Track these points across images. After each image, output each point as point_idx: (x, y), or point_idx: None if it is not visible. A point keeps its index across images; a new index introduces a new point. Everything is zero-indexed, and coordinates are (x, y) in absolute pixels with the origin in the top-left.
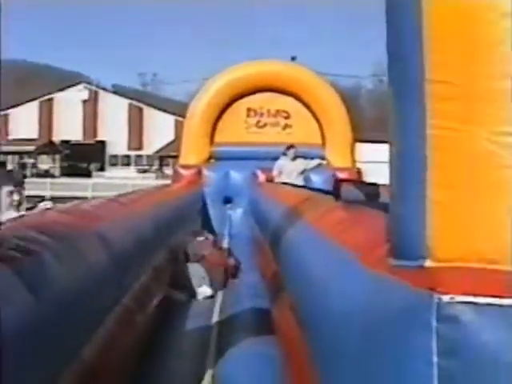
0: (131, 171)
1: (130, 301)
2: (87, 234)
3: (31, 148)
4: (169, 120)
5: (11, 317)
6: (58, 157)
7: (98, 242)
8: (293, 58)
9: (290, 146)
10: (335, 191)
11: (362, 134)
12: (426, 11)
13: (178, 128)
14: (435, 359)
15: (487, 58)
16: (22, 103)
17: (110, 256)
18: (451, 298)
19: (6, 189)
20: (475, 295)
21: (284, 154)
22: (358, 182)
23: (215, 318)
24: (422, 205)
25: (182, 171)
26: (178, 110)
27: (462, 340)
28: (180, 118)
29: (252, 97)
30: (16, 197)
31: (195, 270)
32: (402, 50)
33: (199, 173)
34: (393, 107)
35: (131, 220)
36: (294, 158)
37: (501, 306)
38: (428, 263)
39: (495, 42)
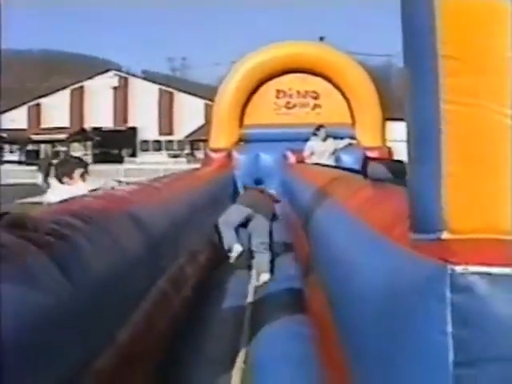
0: (162, 156)
1: (166, 283)
2: (121, 218)
3: (63, 136)
4: (199, 104)
5: (47, 302)
6: (89, 144)
7: (131, 225)
8: (321, 38)
9: (320, 126)
10: (363, 170)
11: (393, 112)
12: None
13: (208, 112)
14: (450, 329)
15: (500, 32)
16: (53, 92)
17: (145, 239)
18: (464, 269)
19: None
20: (488, 265)
21: (314, 134)
22: (384, 159)
23: (249, 299)
24: (438, 179)
25: (213, 155)
26: (207, 93)
27: (475, 310)
28: (210, 102)
29: (280, 78)
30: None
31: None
32: (415, 27)
33: (229, 156)
34: (408, 85)
35: (164, 204)
36: (325, 138)
37: None
38: (445, 235)
39: (504, 17)
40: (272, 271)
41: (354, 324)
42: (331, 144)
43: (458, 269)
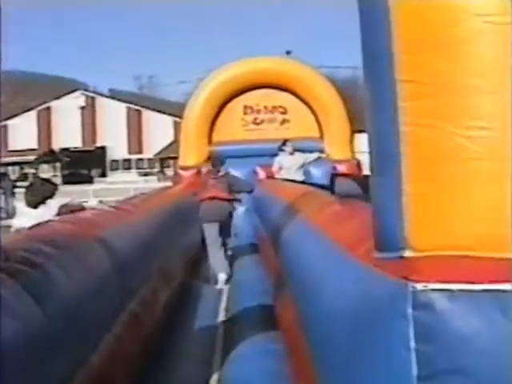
0: (133, 175)
1: (137, 305)
2: (91, 243)
3: (32, 158)
4: (167, 121)
5: (19, 330)
6: (58, 165)
7: (101, 250)
8: (287, 52)
9: (286, 141)
10: (331, 186)
11: (361, 124)
12: (393, 12)
13: (177, 129)
14: (413, 345)
15: (455, 57)
16: (20, 113)
17: (114, 262)
18: (425, 286)
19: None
20: (448, 282)
21: (280, 149)
22: (353, 175)
23: (221, 317)
24: (399, 197)
25: (182, 172)
26: (175, 110)
27: (437, 325)
28: (178, 119)
29: (248, 94)
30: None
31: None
32: (373, 50)
33: (199, 173)
34: (368, 105)
35: (134, 226)
36: (292, 152)
37: (472, 291)
38: (407, 254)
39: (462, 41)
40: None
41: (323, 341)
42: (299, 158)
43: (419, 286)
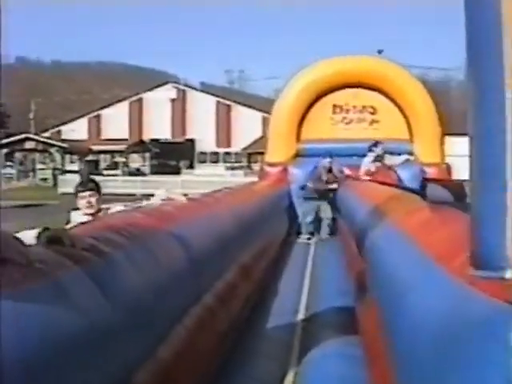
0: (220, 168)
1: (213, 300)
2: (164, 236)
3: (122, 147)
4: (256, 117)
5: (83, 318)
6: (148, 155)
7: (175, 244)
8: (379, 52)
9: (377, 142)
10: (423, 191)
11: (452, 127)
12: (506, 9)
13: (266, 125)
14: None
15: None
16: (113, 104)
17: (189, 256)
18: None
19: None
20: None
21: (370, 150)
22: (445, 180)
23: (300, 316)
24: (503, 213)
25: (269, 169)
26: (265, 106)
27: None
28: (267, 115)
29: (337, 93)
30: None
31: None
32: (480, 53)
33: (285, 170)
34: (471, 108)
35: (212, 220)
36: (383, 154)
37: None
38: (509, 275)
39: None
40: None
41: (407, 353)
42: (388, 161)
43: None
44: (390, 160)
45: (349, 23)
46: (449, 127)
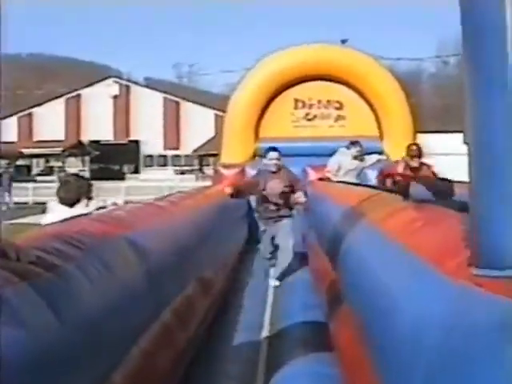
0: (168, 173)
1: (170, 317)
2: (119, 244)
3: (58, 150)
4: (208, 114)
5: (31, 341)
6: (87, 159)
7: (131, 252)
8: (343, 42)
9: (356, 142)
10: (404, 189)
11: (423, 123)
12: None
13: (219, 123)
14: None
15: None
16: (47, 101)
17: (145, 267)
18: None
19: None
20: None
21: (347, 148)
22: (427, 178)
23: (265, 332)
24: (508, 206)
25: (224, 171)
26: (217, 103)
27: None
28: (220, 113)
29: (299, 86)
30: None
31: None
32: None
33: (243, 172)
34: (469, 94)
35: (169, 226)
36: (357, 157)
37: None
38: None
39: None
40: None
41: (399, 368)
42: (361, 164)
43: None
44: (361, 163)
45: (311, 12)
46: (420, 124)
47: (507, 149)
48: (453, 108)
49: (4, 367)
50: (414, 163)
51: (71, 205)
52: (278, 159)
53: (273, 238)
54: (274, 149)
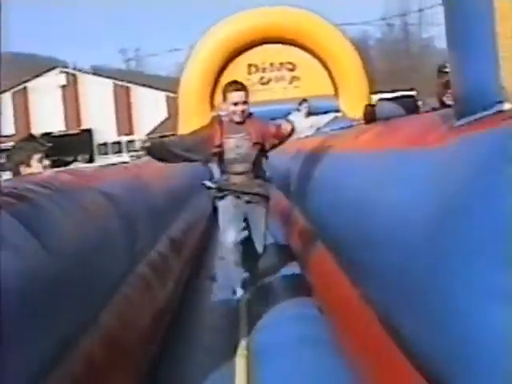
0: (124, 158)
1: (148, 269)
2: (92, 192)
3: (9, 145)
4: (159, 97)
5: (19, 264)
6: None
7: (105, 201)
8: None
9: (303, 100)
10: (366, 117)
11: (372, 87)
12: None
13: (171, 105)
14: None
15: None
16: None
17: (119, 214)
18: None
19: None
20: None
21: (297, 109)
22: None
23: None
24: (492, 42)
25: None
26: (167, 85)
27: None
28: (172, 94)
29: (251, 51)
30: None
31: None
32: None
33: None
34: None
35: (138, 183)
36: (308, 114)
37: None
38: (507, 106)
39: None
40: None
41: (391, 263)
42: (315, 121)
43: None
44: (317, 120)
45: None
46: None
47: None
48: (399, 72)
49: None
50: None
51: (17, 169)
52: (246, 102)
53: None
54: (240, 86)
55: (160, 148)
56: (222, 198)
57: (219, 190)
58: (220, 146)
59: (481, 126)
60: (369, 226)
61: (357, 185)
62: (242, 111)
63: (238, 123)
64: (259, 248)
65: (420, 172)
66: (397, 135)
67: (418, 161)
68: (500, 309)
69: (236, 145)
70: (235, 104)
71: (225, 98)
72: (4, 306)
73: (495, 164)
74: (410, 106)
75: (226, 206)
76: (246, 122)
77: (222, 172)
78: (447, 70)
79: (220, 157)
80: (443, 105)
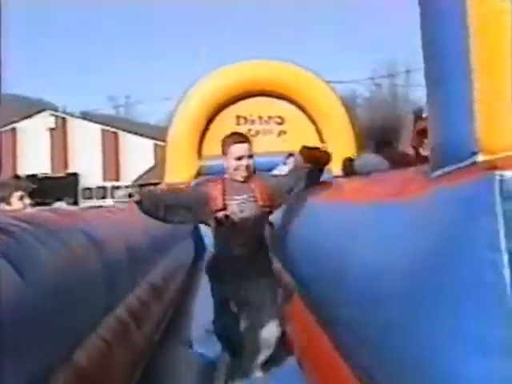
0: (108, 202)
1: (125, 313)
2: (75, 231)
3: None
4: (147, 145)
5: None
6: (24, 194)
7: (85, 239)
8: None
9: (290, 155)
10: (345, 169)
11: (359, 144)
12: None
13: (158, 153)
14: (503, 244)
15: None
16: None
17: (99, 255)
18: None
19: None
20: None
21: (284, 163)
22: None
23: None
24: (468, 99)
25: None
26: (155, 133)
27: None
28: (159, 142)
29: (241, 103)
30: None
31: None
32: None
33: None
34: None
35: (120, 226)
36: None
37: None
38: (480, 158)
39: None
40: None
41: (368, 305)
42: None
43: (508, 174)
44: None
45: (247, 27)
46: (360, 145)
47: (461, 45)
48: (386, 130)
49: None
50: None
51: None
52: (251, 156)
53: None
54: (244, 137)
55: (151, 204)
56: (217, 278)
57: (215, 268)
58: (223, 209)
59: (456, 177)
60: (347, 279)
61: (335, 236)
62: (247, 167)
63: (241, 182)
64: (266, 343)
65: (397, 224)
66: (373, 188)
67: (395, 213)
68: (481, 361)
69: (240, 209)
70: (239, 158)
71: (225, 152)
72: None
73: (470, 215)
74: (396, 158)
75: (221, 293)
76: (250, 180)
77: (218, 238)
78: (424, 115)
79: (218, 222)
80: (417, 155)
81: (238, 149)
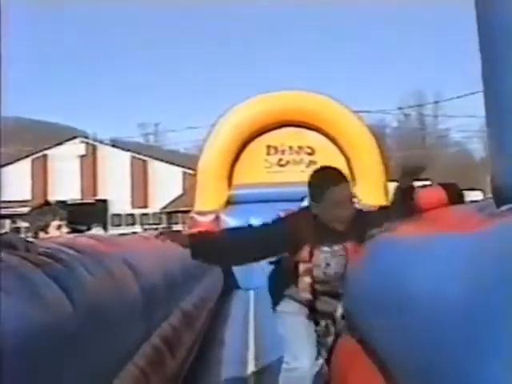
0: (137, 230)
1: (160, 341)
2: (115, 258)
3: (25, 210)
4: (175, 172)
5: (52, 320)
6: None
7: (125, 266)
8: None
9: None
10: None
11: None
12: None
13: (186, 181)
14: None
15: None
16: (13, 162)
17: (138, 282)
18: None
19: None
20: None
21: None
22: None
23: (251, 368)
24: None
25: (199, 218)
26: (184, 161)
27: None
28: (188, 170)
29: (271, 133)
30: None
31: None
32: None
33: (217, 219)
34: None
35: (157, 253)
36: None
37: None
38: None
39: None
40: None
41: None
42: None
43: None
44: None
45: (268, 66)
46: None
47: None
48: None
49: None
50: None
51: (36, 235)
52: (352, 201)
53: None
54: (343, 176)
55: (210, 248)
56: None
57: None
58: (309, 259)
59: None
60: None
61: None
62: (349, 217)
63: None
64: None
65: (458, 255)
66: (436, 222)
67: (456, 245)
68: None
69: (326, 262)
70: (339, 204)
71: (316, 195)
72: (27, 352)
73: None
74: (453, 195)
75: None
76: (350, 229)
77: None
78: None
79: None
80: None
81: (340, 192)
